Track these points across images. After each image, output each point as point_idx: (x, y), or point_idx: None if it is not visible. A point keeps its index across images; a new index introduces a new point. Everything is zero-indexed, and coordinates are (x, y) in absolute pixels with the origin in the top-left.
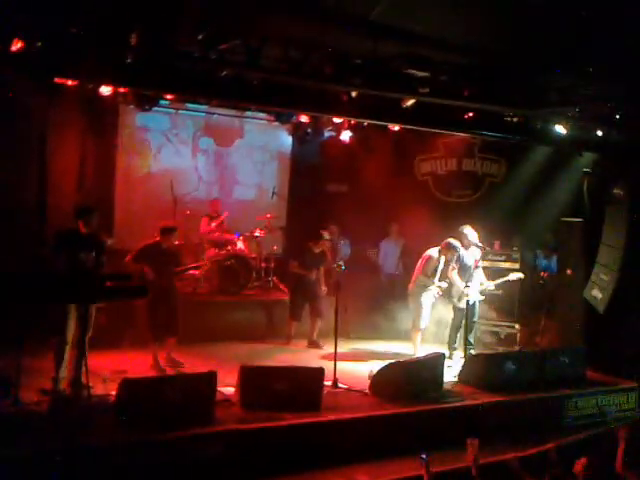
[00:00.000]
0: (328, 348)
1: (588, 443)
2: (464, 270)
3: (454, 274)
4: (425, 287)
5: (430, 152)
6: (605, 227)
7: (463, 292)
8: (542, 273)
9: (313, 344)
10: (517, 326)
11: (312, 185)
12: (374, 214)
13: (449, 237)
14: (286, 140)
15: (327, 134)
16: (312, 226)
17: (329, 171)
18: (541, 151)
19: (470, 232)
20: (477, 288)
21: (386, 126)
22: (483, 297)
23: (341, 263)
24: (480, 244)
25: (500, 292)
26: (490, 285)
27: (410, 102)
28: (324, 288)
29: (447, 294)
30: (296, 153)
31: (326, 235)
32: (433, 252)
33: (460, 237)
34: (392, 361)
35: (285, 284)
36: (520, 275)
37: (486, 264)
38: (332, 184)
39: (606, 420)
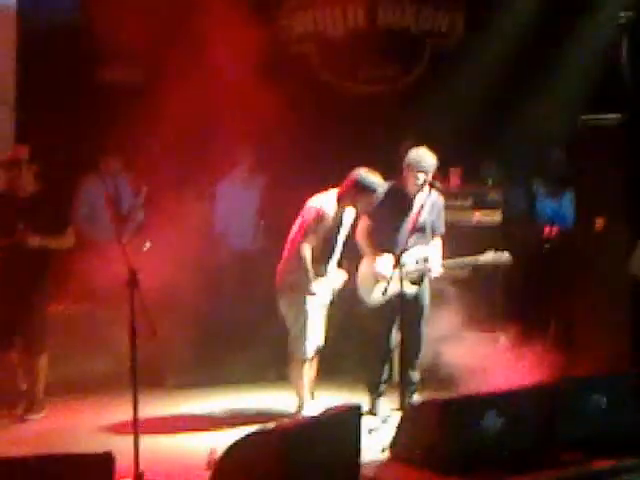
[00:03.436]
0: (114, 411)
1: None
2: (390, 234)
3: (363, 239)
4: (309, 279)
5: None
6: None
7: (388, 278)
8: (547, 228)
9: (30, 409)
10: (503, 338)
11: (67, 72)
12: (201, 127)
13: (358, 169)
14: None
15: None
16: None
17: (104, 40)
18: None
19: (423, 157)
20: (412, 269)
21: None
22: (415, 287)
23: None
24: (433, 181)
25: (466, 274)
26: (435, 268)
27: None
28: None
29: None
30: (29, 4)
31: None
32: (325, 203)
33: (405, 172)
34: (255, 429)
35: None
36: (504, 256)
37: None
38: (111, 67)
39: None
